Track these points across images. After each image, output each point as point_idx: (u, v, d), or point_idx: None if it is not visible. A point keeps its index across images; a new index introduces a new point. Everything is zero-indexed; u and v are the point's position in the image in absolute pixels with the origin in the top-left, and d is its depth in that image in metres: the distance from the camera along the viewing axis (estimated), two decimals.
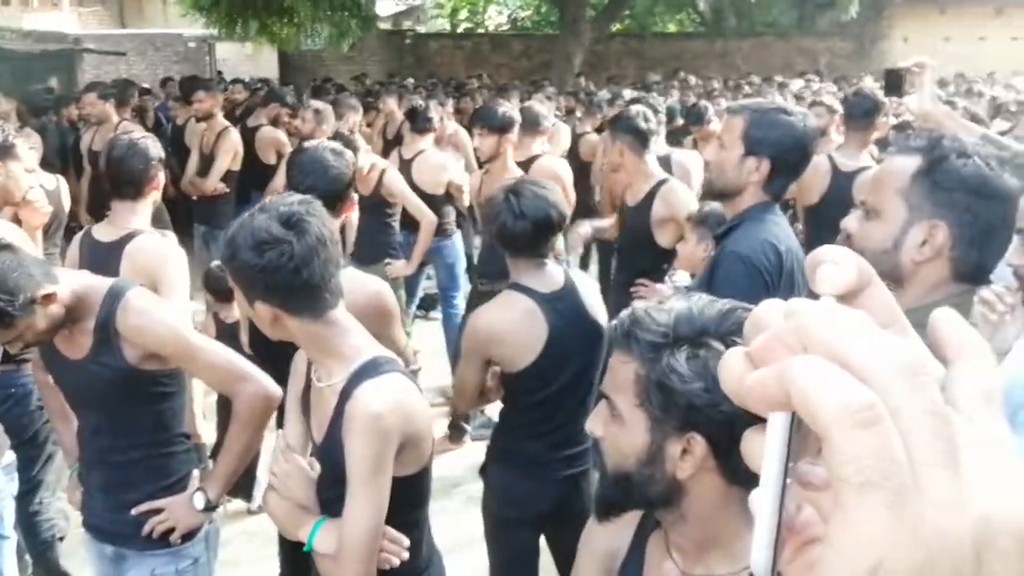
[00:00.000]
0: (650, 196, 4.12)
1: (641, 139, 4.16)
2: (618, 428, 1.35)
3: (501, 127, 4.61)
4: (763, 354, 0.38)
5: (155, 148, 3.22)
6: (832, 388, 0.35)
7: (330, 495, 1.99)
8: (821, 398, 0.35)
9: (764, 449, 0.38)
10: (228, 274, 1.96)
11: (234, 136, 6.53)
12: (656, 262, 4.10)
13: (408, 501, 2.05)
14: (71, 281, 2.34)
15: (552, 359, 2.68)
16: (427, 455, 2.07)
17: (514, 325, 2.67)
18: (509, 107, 4.95)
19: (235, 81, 12.94)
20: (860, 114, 4.65)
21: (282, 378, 2.92)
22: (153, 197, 3.22)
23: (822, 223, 3.95)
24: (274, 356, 2.88)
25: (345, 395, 1.91)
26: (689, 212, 3.67)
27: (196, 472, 2.58)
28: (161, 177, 3.24)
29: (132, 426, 2.40)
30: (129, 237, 3.07)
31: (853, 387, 0.35)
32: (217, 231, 6.50)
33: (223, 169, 6.40)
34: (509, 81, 14.08)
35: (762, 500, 0.38)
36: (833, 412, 0.35)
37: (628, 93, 9.08)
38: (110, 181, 3.18)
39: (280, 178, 5.94)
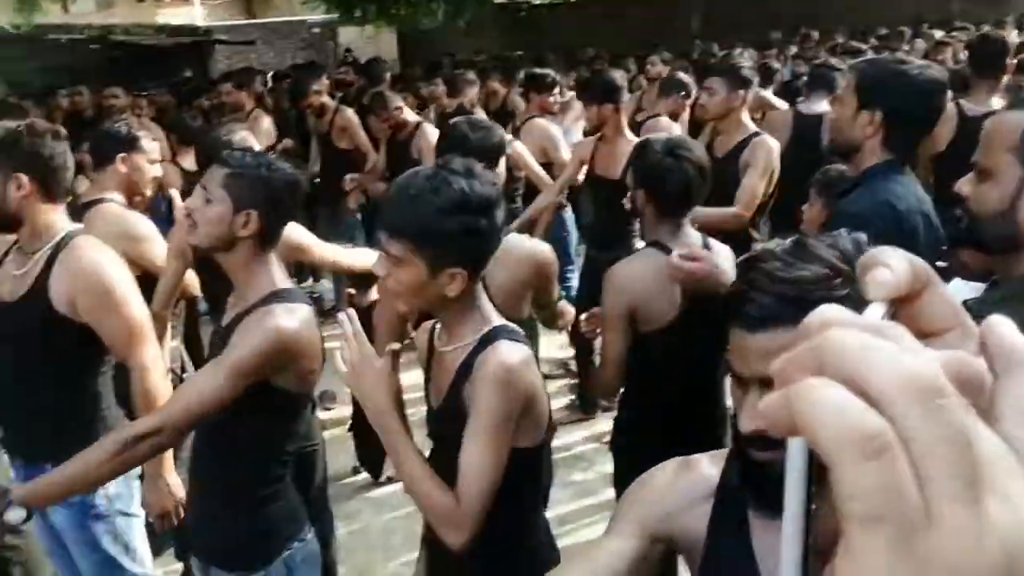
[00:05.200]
0: (740, 147, 4.17)
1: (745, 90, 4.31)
2: None
3: (603, 95, 4.58)
4: (781, 375, 0.36)
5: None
6: (835, 416, 0.32)
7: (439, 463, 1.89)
8: (824, 426, 0.33)
9: (786, 475, 0.36)
10: (412, 240, 1.79)
11: (348, 112, 6.58)
12: None
13: (528, 476, 1.97)
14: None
15: (687, 320, 2.62)
16: (544, 431, 1.98)
17: (651, 280, 2.62)
18: (615, 75, 4.84)
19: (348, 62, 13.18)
20: (987, 59, 4.46)
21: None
22: None
23: (951, 173, 3.78)
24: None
25: (475, 352, 1.87)
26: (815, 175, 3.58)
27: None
28: None
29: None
30: None
31: (859, 414, 0.32)
32: (340, 214, 6.63)
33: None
34: (625, 47, 13.88)
35: (786, 528, 0.36)
36: (836, 442, 0.32)
37: (739, 52, 8.79)
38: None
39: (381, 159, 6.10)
